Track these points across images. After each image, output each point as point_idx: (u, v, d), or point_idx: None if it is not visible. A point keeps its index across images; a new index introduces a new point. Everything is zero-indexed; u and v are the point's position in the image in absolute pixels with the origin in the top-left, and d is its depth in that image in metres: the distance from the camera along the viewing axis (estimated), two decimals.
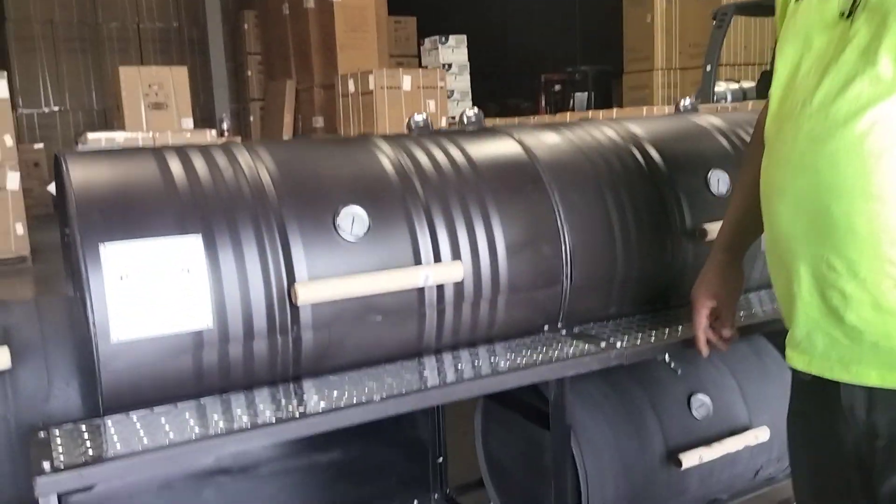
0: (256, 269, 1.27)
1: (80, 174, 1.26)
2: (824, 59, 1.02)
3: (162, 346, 1.20)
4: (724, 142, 1.87)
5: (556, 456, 1.56)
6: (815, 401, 1.11)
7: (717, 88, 6.36)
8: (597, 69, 12.71)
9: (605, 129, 1.81)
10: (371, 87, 7.85)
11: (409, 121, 1.82)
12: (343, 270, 1.33)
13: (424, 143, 1.60)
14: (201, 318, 1.22)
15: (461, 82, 10.68)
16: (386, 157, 1.52)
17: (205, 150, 1.42)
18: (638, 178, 1.70)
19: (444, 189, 1.49)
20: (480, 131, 1.75)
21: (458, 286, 1.42)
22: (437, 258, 1.41)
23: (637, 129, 1.84)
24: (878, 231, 0.94)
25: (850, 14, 1.00)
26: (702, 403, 1.86)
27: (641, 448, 1.75)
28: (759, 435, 1.83)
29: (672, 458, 1.74)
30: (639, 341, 1.49)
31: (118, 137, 5.83)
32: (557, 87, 13.33)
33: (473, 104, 11.04)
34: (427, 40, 10.76)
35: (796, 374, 1.14)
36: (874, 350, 0.99)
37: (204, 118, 10.64)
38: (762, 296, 1.84)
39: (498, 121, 8.29)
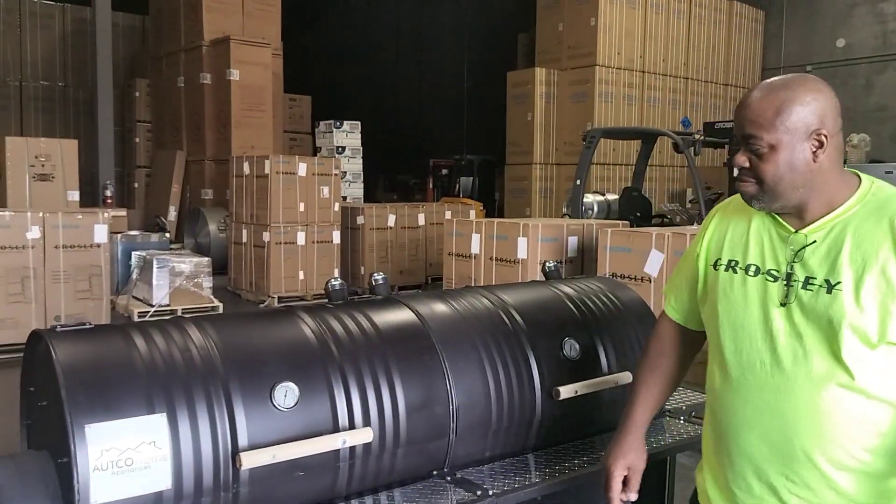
0: (208, 438, 1.58)
1: (65, 356, 1.54)
2: (771, 332, 1.47)
3: None
4: (575, 310, 2.35)
5: None
6: None
7: (585, 200, 7.12)
8: (481, 158, 13.61)
9: (482, 298, 2.26)
10: (266, 171, 8.13)
11: (328, 284, 2.20)
12: (276, 434, 1.67)
13: (340, 315, 1.98)
14: (162, 481, 1.52)
15: (354, 165, 11.12)
16: (309, 328, 1.88)
17: (162, 327, 1.74)
18: (506, 342, 2.14)
19: (357, 358, 1.86)
20: (385, 301, 2.15)
21: (367, 444, 1.79)
22: (352, 422, 1.77)
23: (506, 296, 2.30)
24: (826, 461, 1.43)
25: (784, 304, 1.46)
26: None
27: None
28: None
29: None
30: (506, 486, 1.90)
31: (5, 215, 5.80)
32: (445, 171, 14.10)
33: (365, 177, 11.51)
34: (322, 123, 11.17)
35: None
36: None
37: (85, 181, 10.46)
38: None
39: (387, 206, 8.72)
